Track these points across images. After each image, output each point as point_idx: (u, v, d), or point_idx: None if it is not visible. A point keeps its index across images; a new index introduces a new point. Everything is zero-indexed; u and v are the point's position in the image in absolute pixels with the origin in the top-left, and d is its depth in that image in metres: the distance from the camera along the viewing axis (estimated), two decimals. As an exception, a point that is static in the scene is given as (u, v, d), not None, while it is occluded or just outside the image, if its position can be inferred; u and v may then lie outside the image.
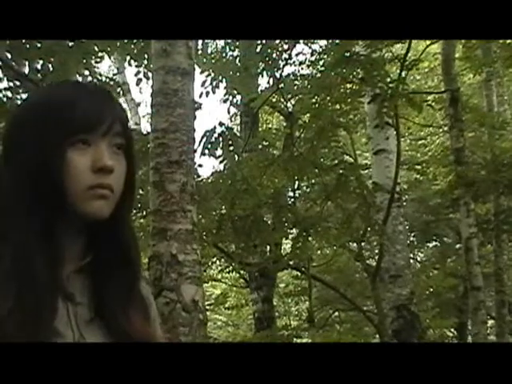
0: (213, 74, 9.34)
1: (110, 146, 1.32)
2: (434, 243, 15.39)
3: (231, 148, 7.45)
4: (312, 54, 8.84)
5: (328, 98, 6.72)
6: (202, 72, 9.53)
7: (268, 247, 8.09)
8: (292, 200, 7.69)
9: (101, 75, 8.02)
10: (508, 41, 10.47)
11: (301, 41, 8.35)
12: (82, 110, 1.30)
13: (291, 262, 8.20)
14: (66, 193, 1.29)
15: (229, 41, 9.10)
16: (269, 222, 7.52)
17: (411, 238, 14.06)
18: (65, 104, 1.31)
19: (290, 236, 7.73)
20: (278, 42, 7.73)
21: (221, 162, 7.54)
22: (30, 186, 1.28)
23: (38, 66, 6.91)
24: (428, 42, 8.29)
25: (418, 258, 15.92)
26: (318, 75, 7.49)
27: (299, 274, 9.85)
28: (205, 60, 9.51)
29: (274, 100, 7.86)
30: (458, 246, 12.86)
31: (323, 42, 9.68)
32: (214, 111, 41.38)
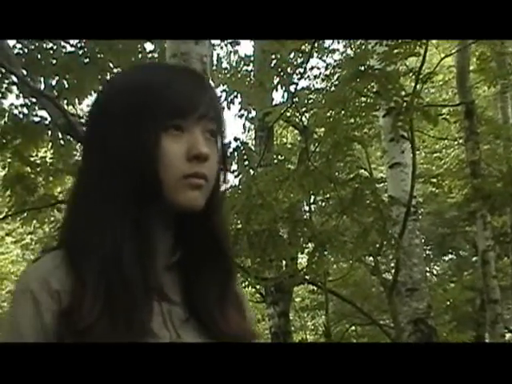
0: (228, 89, 9.37)
1: (203, 131, 1.25)
2: (451, 256, 15.35)
3: (246, 163, 7.45)
4: (326, 68, 8.84)
5: (343, 111, 6.71)
6: (216, 87, 9.56)
7: (284, 262, 8.07)
8: (308, 214, 7.67)
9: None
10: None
11: (314, 55, 8.36)
12: (177, 94, 1.23)
13: (307, 277, 8.18)
14: (159, 182, 1.21)
15: (243, 56, 9.13)
16: (284, 237, 7.50)
17: (428, 252, 14.02)
18: (158, 87, 1.23)
19: (306, 250, 7.71)
20: (292, 56, 7.74)
21: (236, 176, 7.54)
22: (122, 174, 1.21)
23: (53, 83, 6.96)
24: (442, 55, 8.28)
25: (435, 272, 15.87)
26: (333, 89, 7.49)
27: (315, 288, 9.84)
28: (220, 75, 9.54)
29: (288, 114, 7.86)
30: (474, 258, 12.82)
31: (337, 56, 9.70)
32: (228, 126, 41.50)
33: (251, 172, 7.45)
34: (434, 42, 10.57)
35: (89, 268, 1.17)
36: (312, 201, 7.76)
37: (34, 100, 7.14)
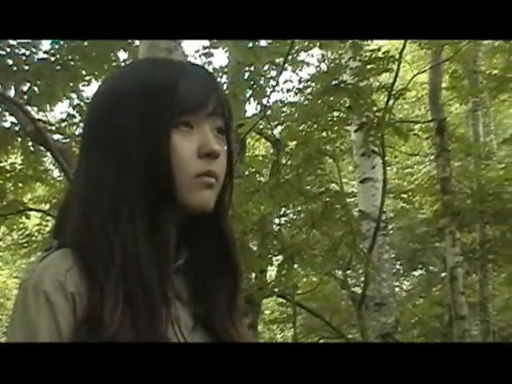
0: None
1: (212, 128, 1.21)
2: (420, 271, 15.42)
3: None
4: (300, 82, 8.86)
5: (315, 125, 6.73)
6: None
7: (253, 274, 8.06)
8: (278, 227, 7.67)
9: (88, 99, 8.00)
10: (494, 71, 10.58)
11: (289, 68, 8.38)
12: (187, 89, 1.19)
13: (276, 289, 8.17)
14: (172, 180, 1.17)
15: (217, 67, 9.12)
16: (254, 249, 7.49)
17: (397, 266, 14.07)
18: (168, 83, 1.19)
19: (276, 263, 7.71)
20: (266, 68, 7.75)
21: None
22: (133, 174, 1.16)
23: (25, 89, 6.89)
24: (416, 72, 8.34)
25: (404, 287, 15.93)
26: (306, 103, 7.51)
27: (284, 301, 9.82)
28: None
29: (261, 127, 7.87)
30: (443, 274, 12.89)
31: (312, 70, 9.73)
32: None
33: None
34: (407, 58, 10.64)
35: (105, 272, 1.12)
36: (282, 213, 7.77)
37: (3, 106, 7.07)
